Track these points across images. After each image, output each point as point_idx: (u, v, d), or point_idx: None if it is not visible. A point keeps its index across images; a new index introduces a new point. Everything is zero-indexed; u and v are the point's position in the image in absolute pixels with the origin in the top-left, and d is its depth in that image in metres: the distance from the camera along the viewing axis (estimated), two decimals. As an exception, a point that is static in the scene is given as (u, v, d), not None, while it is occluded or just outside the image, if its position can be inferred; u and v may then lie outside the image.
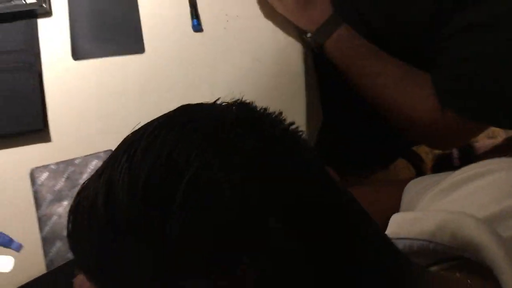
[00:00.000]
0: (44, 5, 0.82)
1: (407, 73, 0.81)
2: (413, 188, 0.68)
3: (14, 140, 0.74)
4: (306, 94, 0.85)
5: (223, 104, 0.38)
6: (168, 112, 0.37)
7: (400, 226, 0.46)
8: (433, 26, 0.75)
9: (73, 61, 0.81)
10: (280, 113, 0.37)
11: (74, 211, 0.37)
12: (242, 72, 0.85)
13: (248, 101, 0.38)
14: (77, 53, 0.81)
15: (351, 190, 0.37)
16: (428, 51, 0.78)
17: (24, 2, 0.82)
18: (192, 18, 0.87)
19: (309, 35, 0.85)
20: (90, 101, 0.79)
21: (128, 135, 0.36)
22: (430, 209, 0.53)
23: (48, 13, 0.84)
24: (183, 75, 0.83)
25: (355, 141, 1.09)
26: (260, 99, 0.39)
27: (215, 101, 0.38)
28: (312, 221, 0.33)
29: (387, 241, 0.38)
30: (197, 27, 0.87)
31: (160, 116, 0.37)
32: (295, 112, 0.83)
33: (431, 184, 0.58)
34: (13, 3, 0.81)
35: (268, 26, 0.89)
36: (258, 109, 0.37)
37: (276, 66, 0.86)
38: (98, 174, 0.35)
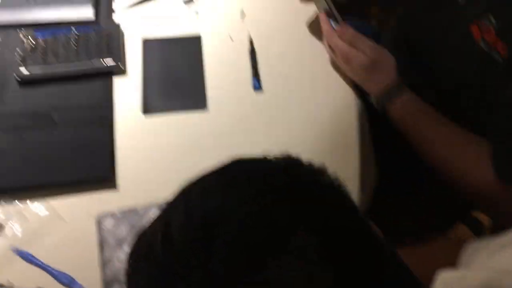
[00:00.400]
0: (120, 65, 0.91)
1: (469, 143, 0.81)
2: (473, 245, 0.66)
3: (84, 186, 0.80)
4: (360, 155, 0.86)
5: (272, 157, 0.41)
6: (223, 163, 0.40)
7: (446, 284, 0.46)
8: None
9: (143, 115, 0.88)
10: (324, 167, 0.40)
11: (133, 253, 0.40)
12: (298, 130, 0.89)
13: (295, 155, 0.41)
14: (147, 108, 0.88)
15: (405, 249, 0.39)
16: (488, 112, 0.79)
17: (104, 63, 0.90)
18: (253, 77, 0.93)
19: (373, 97, 0.88)
20: (156, 153, 0.84)
21: (186, 183, 0.40)
22: (487, 265, 0.51)
23: (123, 72, 0.92)
24: (242, 131, 0.87)
25: (412, 203, 1.08)
26: (314, 157, 0.42)
27: (265, 155, 0.41)
28: (339, 242, 0.35)
29: (405, 265, 0.40)
30: (257, 86, 0.92)
31: (216, 167, 0.40)
32: (348, 172, 0.85)
33: (492, 241, 0.57)
34: (93, 63, 0.90)
35: (325, 87, 0.93)
36: (304, 163, 0.40)
37: (331, 126, 0.89)
38: (157, 218, 0.39)
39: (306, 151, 0.85)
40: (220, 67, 0.94)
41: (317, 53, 0.96)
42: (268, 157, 0.42)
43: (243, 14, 1.02)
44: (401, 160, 0.94)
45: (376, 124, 0.92)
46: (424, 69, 0.94)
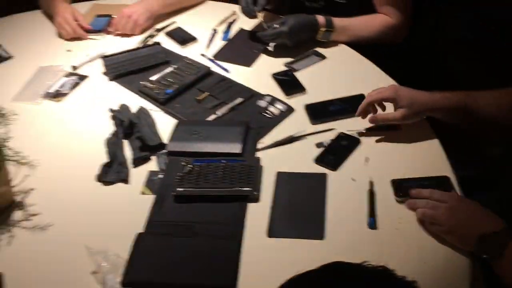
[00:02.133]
0: (256, 193, 1.08)
1: None
2: None
3: (209, 292, 0.92)
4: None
5: (369, 265, 0.49)
6: (322, 266, 0.50)
7: None
8: None
9: (267, 238, 1.01)
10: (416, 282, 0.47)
11: None
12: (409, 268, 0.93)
13: (389, 267, 0.48)
14: (271, 232, 1.01)
15: None
16: None
17: (243, 190, 1.08)
18: (370, 216, 1.01)
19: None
20: (275, 272, 0.95)
21: (288, 278, 0.50)
22: None
23: (256, 199, 1.08)
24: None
25: None
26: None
27: (362, 262, 0.50)
28: None
29: None
30: (372, 225, 1.00)
31: (317, 267, 0.50)
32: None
33: None
34: (234, 189, 1.08)
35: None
36: (396, 275, 0.48)
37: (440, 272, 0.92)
38: None
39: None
40: (340, 204, 1.05)
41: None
42: (366, 264, 0.50)
43: (367, 159, 1.15)
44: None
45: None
46: None
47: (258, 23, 1.65)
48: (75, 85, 1.47)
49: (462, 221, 0.92)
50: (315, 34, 1.51)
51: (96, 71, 1.53)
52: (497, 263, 0.87)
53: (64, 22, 1.67)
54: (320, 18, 1.50)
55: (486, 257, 0.87)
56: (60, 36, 1.70)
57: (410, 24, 1.56)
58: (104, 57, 1.54)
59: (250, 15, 1.58)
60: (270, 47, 1.55)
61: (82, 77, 1.50)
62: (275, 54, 1.54)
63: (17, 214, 1.09)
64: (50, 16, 1.78)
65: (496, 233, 0.88)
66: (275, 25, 1.48)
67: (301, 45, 1.52)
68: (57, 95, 1.43)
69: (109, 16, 1.75)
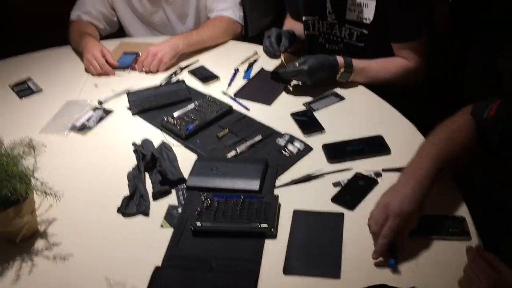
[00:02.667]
0: (273, 230, 1.09)
1: None
2: None
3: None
4: None
5: None
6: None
7: None
8: None
9: (283, 275, 1.01)
10: None
11: None
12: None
13: None
14: (288, 269, 1.02)
15: None
16: None
17: (260, 227, 1.09)
18: (390, 257, 1.01)
19: None
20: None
21: None
22: None
23: (273, 236, 1.09)
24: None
25: None
26: None
27: None
28: None
29: None
30: (394, 265, 1.00)
31: None
32: None
33: None
34: (252, 225, 1.10)
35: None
36: None
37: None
38: None
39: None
40: (357, 243, 1.06)
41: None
42: None
43: (384, 200, 1.16)
44: None
45: None
46: None
47: (280, 64, 1.70)
48: (101, 119, 1.52)
49: None
50: (335, 75, 1.55)
51: (121, 106, 1.58)
52: None
53: (92, 58, 1.74)
54: (340, 59, 1.54)
55: None
56: (88, 71, 1.77)
57: (426, 66, 1.59)
58: (129, 93, 1.60)
59: (273, 55, 1.62)
60: (290, 86, 1.60)
61: (108, 112, 1.55)
62: (294, 93, 1.58)
63: (39, 243, 1.12)
64: (79, 52, 1.87)
65: None
66: (296, 64, 1.53)
67: (320, 85, 1.56)
68: (83, 128, 1.48)
69: (136, 53, 1.82)
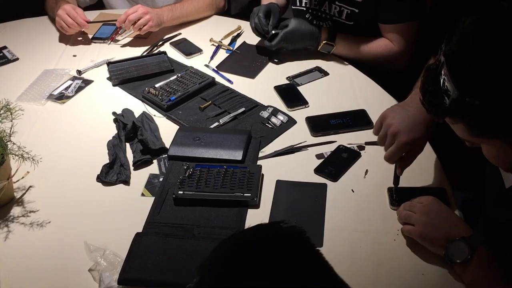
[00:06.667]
0: (256, 199, 1.08)
1: None
2: None
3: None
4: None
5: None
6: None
7: None
8: None
9: (265, 243, 1.01)
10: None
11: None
12: (407, 278, 0.94)
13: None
14: (270, 238, 1.01)
15: None
16: None
17: (243, 196, 1.09)
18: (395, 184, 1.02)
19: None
20: None
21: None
22: None
23: (256, 205, 1.09)
24: (351, 270, 0.95)
25: None
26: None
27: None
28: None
29: None
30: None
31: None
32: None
33: None
34: (235, 195, 1.09)
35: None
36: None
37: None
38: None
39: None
40: (339, 212, 1.06)
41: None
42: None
43: (366, 172, 1.16)
44: None
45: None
46: None
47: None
48: (80, 88, 1.48)
49: (433, 222, 0.95)
50: (316, 44, 1.54)
51: (101, 76, 1.55)
52: (462, 269, 0.90)
53: (63, 13, 1.65)
54: (324, 31, 1.53)
55: (454, 261, 0.90)
56: (62, 29, 1.68)
57: (411, 51, 1.57)
58: (110, 63, 1.56)
59: (262, 33, 1.57)
60: (274, 59, 1.58)
61: (87, 82, 1.52)
62: (278, 67, 1.57)
63: (16, 210, 1.09)
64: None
65: (465, 238, 0.90)
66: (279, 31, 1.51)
67: (303, 57, 1.55)
68: (61, 97, 1.44)
69: (115, 25, 1.77)
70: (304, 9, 1.66)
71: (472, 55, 0.73)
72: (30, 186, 1.15)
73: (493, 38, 0.73)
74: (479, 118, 0.73)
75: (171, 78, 1.48)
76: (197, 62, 1.61)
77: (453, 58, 0.74)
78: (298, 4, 1.67)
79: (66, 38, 1.73)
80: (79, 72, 1.55)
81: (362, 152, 1.22)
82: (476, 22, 0.75)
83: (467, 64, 0.73)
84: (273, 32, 1.53)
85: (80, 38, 1.74)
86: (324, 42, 1.53)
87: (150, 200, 1.11)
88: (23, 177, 1.13)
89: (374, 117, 1.31)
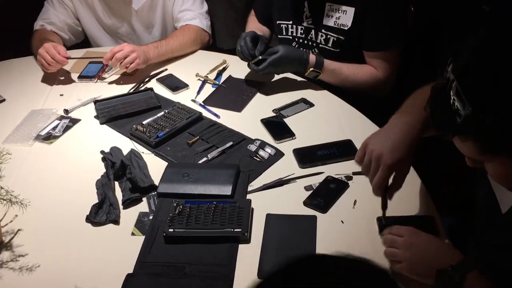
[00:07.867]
0: (246, 234, 1.08)
1: None
2: None
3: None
4: None
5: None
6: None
7: None
8: None
9: (257, 279, 1.01)
10: None
11: None
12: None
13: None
14: (262, 273, 1.01)
15: None
16: None
17: (233, 231, 1.09)
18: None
19: None
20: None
21: None
22: None
23: (247, 241, 1.09)
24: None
25: None
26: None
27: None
28: None
29: None
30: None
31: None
32: None
33: None
34: (225, 230, 1.09)
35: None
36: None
37: None
38: None
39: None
40: (329, 245, 1.07)
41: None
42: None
43: (355, 202, 1.17)
44: None
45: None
46: None
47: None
48: (67, 128, 1.49)
49: (418, 256, 0.95)
50: (304, 70, 1.57)
51: (88, 115, 1.55)
52: None
53: (43, 51, 1.66)
54: (312, 57, 1.56)
55: None
56: (42, 68, 1.69)
57: (395, 77, 1.62)
58: (97, 101, 1.57)
59: (247, 57, 1.58)
60: (261, 91, 1.60)
61: (74, 121, 1.52)
62: (264, 100, 1.59)
63: (4, 255, 1.08)
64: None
65: (453, 266, 0.90)
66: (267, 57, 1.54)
67: (289, 88, 1.59)
68: (48, 137, 1.45)
69: (101, 63, 1.79)
70: (291, 37, 1.70)
71: (484, 71, 0.74)
72: (19, 230, 1.14)
73: (504, 53, 0.74)
74: (492, 135, 0.73)
75: (159, 115, 1.49)
76: (184, 97, 1.62)
77: (464, 75, 0.75)
78: (284, 33, 1.70)
79: (53, 78, 1.74)
80: (66, 111, 1.56)
81: (350, 182, 1.23)
82: (485, 38, 0.76)
83: (479, 81, 0.73)
84: (260, 57, 1.55)
85: (62, 78, 1.74)
86: (311, 69, 1.56)
87: (140, 239, 1.10)
88: (11, 221, 1.12)
89: (360, 147, 1.34)
